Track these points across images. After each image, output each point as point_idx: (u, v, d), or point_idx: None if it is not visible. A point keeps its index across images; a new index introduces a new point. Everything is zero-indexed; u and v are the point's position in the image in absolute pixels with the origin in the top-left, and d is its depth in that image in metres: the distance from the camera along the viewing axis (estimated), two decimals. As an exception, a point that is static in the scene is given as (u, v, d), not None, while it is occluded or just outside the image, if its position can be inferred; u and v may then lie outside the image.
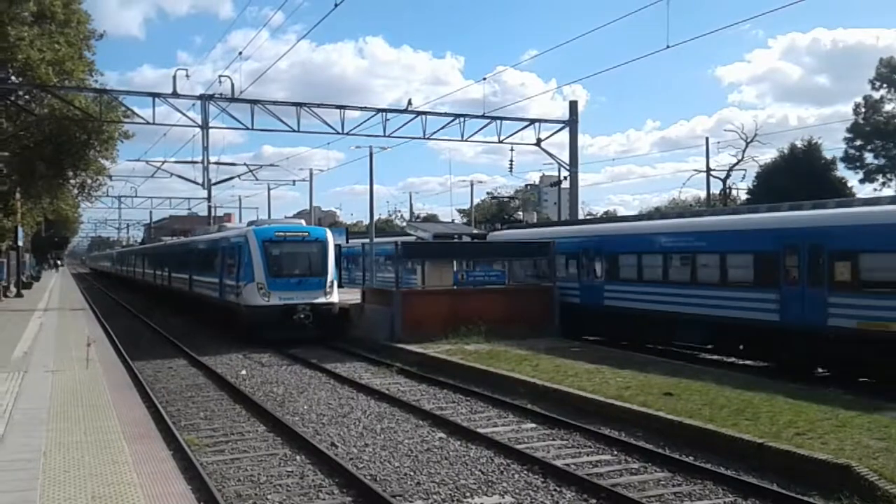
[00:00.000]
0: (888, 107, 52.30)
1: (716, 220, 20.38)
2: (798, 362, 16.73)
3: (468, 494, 8.98)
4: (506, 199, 70.66)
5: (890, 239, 14.96)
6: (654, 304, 20.20)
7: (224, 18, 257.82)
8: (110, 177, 41.02)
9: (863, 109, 52.69)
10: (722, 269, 18.52)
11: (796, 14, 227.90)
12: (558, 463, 10.02)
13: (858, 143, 52.81)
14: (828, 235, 16.06)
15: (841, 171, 51.01)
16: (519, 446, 10.87)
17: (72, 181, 35.54)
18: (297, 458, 10.51)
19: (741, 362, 19.85)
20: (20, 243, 43.45)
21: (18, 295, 41.97)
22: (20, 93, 29.93)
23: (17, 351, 17.87)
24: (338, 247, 28.05)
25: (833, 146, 55.11)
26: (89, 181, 35.54)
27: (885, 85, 51.89)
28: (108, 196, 59.88)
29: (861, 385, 15.54)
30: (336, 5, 19.11)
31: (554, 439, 11.52)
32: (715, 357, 20.69)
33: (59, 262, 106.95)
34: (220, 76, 30.30)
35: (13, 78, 29.21)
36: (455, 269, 24.25)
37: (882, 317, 14.82)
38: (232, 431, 12.16)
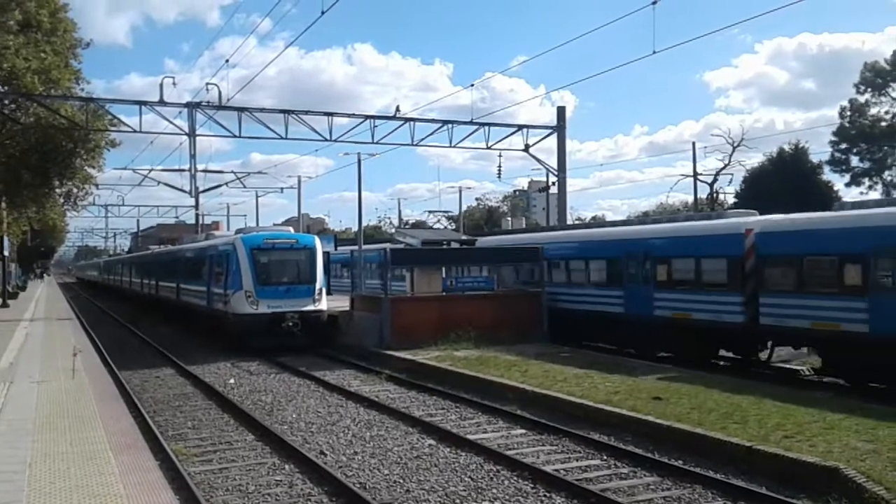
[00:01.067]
0: (873, 110, 52.83)
1: (584, 232, 26.91)
2: (637, 344, 20.64)
3: (458, 501, 8.96)
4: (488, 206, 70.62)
5: (688, 248, 19.49)
6: (560, 303, 23.54)
7: (212, 26, 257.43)
8: (97, 185, 40.72)
9: (848, 113, 53.15)
10: (587, 272, 23.01)
11: (783, 19, 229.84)
12: (548, 469, 10.00)
13: (844, 146, 53.26)
14: (652, 246, 20.56)
15: (827, 174, 51.53)
16: (508, 452, 10.84)
17: (58, 190, 35.37)
18: (286, 466, 10.45)
19: (725, 365, 19.96)
20: (6, 253, 43.11)
21: (4, 305, 41.60)
22: (6, 101, 29.79)
23: (3, 362, 17.72)
24: (326, 254, 27.98)
25: (820, 150, 55.73)
26: (76, 190, 35.39)
27: (869, 89, 52.37)
28: (94, 205, 59.78)
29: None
30: (323, 13, 19.15)
31: (543, 445, 11.51)
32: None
33: (43, 272, 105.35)
34: (206, 84, 30.41)
35: (-1, 87, 29.10)
36: (444, 275, 24.23)
37: (686, 308, 19.08)
38: (220, 441, 12.09)
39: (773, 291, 16.77)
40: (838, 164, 53.59)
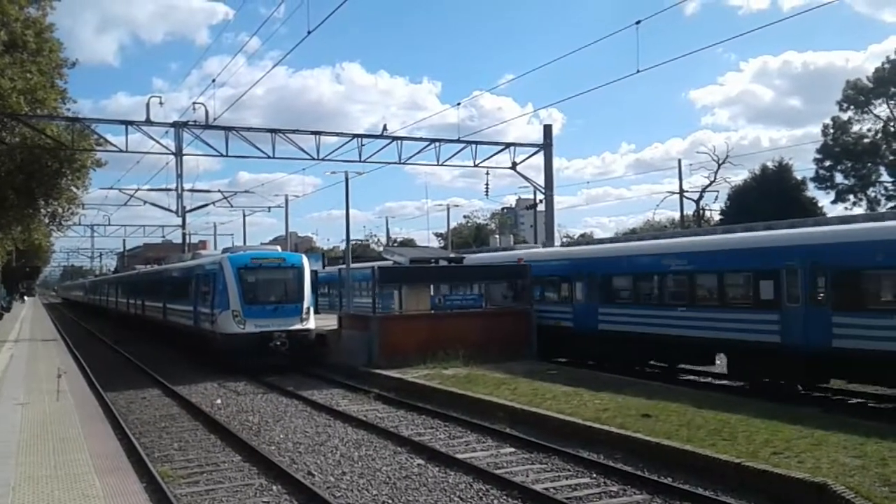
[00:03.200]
0: (856, 128, 53.37)
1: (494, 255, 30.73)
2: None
3: (447, 521, 8.89)
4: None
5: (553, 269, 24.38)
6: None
7: (200, 45, 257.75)
8: (83, 205, 40.49)
9: (831, 131, 53.68)
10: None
11: (767, 37, 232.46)
12: (538, 487, 9.96)
13: (828, 163, 53.73)
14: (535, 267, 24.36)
15: (812, 191, 51.92)
16: (498, 471, 10.80)
17: (43, 210, 35.12)
18: (274, 487, 10.36)
19: (718, 382, 20.01)
20: (-10, 274, 42.77)
21: (-12, 326, 41.26)
22: (-9, 122, 29.61)
23: (-14, 383, 17.52)
24: (314, 272, 27.92)
25: (805, 167, 56.18)
26: (61, 210, 35.15)
27: (852, 106, 52.94)
28: (80, 225, 59.33)
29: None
30: (309, 32, 19.18)
31: (533, 463, 11.47)
32: (691, 378, 20.83)
33: (23, 294, 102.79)
34: (193, 103, 30.18)
35: (-17, 107, 28.94)
36: (432, 293, 24.21)
37: (559, 317, 23.45)
38: (207, 462, 11.97)
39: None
40: (823, 181, 54.07)
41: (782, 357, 16.60)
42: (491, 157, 33.95)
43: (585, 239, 40.25)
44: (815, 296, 16.02)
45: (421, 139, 33.03)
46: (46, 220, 37.89)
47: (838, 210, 53.06)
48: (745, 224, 21.49)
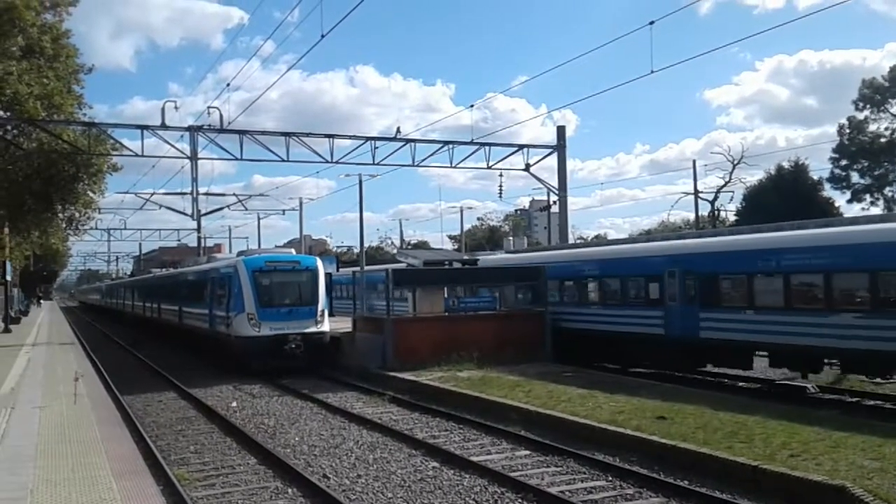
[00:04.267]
0: (872, 127, 52.91)
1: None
2: None
3: (462, 524, 8.87)
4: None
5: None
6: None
7: (215, 49, 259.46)
8: (99, 209, 40.99)
9: (847, 130, 53.25)
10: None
11: (782, 36, 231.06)
12: (553, 490, 9.93)
13: (844, 163, 53.32)
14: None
15: (828, 191, 51.51)
16: (513, 474, 10.77)
17: (60, 215, 35.45)
18: (289, 490, 10.38)
19: (735, 384, 19.89)
20: (8, 278, 43.15)
21: (6, 330, 41.56)
22: (8, 127, 29.94)
23: (5, 387, 17.67)
24: (328, 275, 27.98)
25: (822, 166, 55.58)
26: (78, 214, 35.48)
27: (868, 105, 52.51)
28: (96, 229, 59.92)
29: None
30: (322, 36, 19.28)
31: (548, 466, 11.43)
32: (709, 378, 20.72)
33: (39, 298, 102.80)
34: (208, 108, 30.41)
35: (1, 112, 29.25)
36: (446, 295, 24.20)
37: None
38: (223, 465, 12.02)
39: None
40: (839, 181, 53.63)
41: (665, 347, 20.10)
42: (504, 158, 34.03)
43: (541, 246, 41.77)
44: (687, 296, 19.45)
45: (434, 141, 33.19)
46: (63, 225, 38.28)
47: (855, 210, 52.69)
48: (646, 235, 25.33)
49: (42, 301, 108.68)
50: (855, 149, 52.57)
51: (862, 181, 53.70)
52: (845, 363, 16.86)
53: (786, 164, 48.64)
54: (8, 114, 28.85)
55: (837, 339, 15.90)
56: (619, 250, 23.63)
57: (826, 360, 17.09)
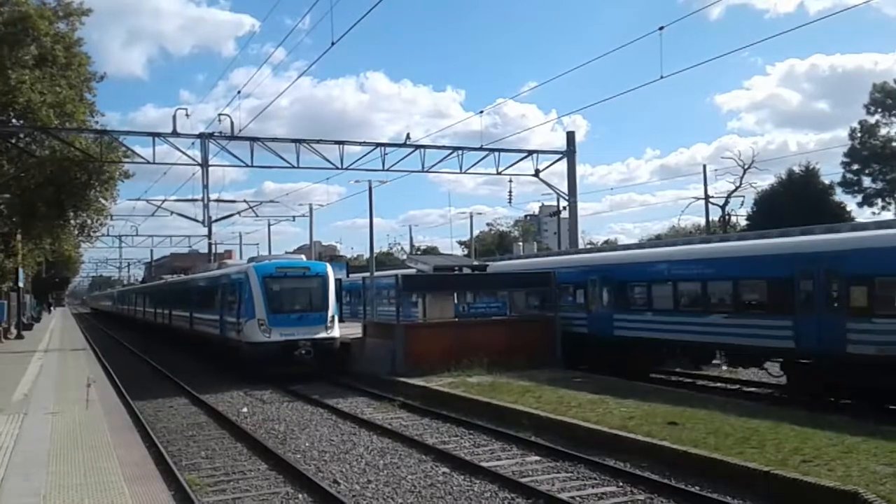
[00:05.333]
0: (884, 131, 52.65)
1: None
2: None
3: (472, 530, 8.87)
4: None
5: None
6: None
7: (227, 56, 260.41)
8: (111, 216, 41.03)
9: (859, 134, 53.00)
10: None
11: (794, 41, 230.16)
12: (563, 496, 9.91)
13: (856, 167, 53.06)
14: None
15: (840, 195, 51.25)
16: (523, 480, 10.76)
17: (72, 222, 35.62)
18: (300, 496, 10.41)
19: (746, 390, 19.79)
20: (21, 284, 43.41)
21: (19, 336, 41.80)
22: (21, 135, 30.16)
23: (17, 393, 17.77)
24: (338, 281, 28.04)
25: (833, 171, 55.54)
26: (90, 221, 35.60)
27: (880, 109, 52.26)
28: (108, 235, 60.03)
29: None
30: (333, 43, 19.38)
31: (558, 472, 11.41)
32: (718, 385, 20.63)
33: (50, 305, 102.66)
34: (219, 115, 30.56)
35: (14, 121, 29.47)
36: (456, 300, 24.21)
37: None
38: (233, 470, 12.05)
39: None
40: (850, 185, 53.37)
41: (589, 344, 22.88)
42: (514, 164, 34.04)
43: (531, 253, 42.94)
44: (605, 300, 22.32)
45: (444, 147, 33.20)
46: (75, 231, 38.44)
47: (866, 214, 52.41)
48: (576, 249, 30.47)
49: (54, 307, 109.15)
50: (866, 153, 52.33)
51: (873, 185, 53.45)
52: (726, 355, 20.32)
53: (797, 169, 48.43)
54: (21, 122, 29.06)
55: (713, 335, 19.04)
56: (566, 259, 26.85)
57: (718, 353, 20.52)
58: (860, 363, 15.25)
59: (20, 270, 41.29)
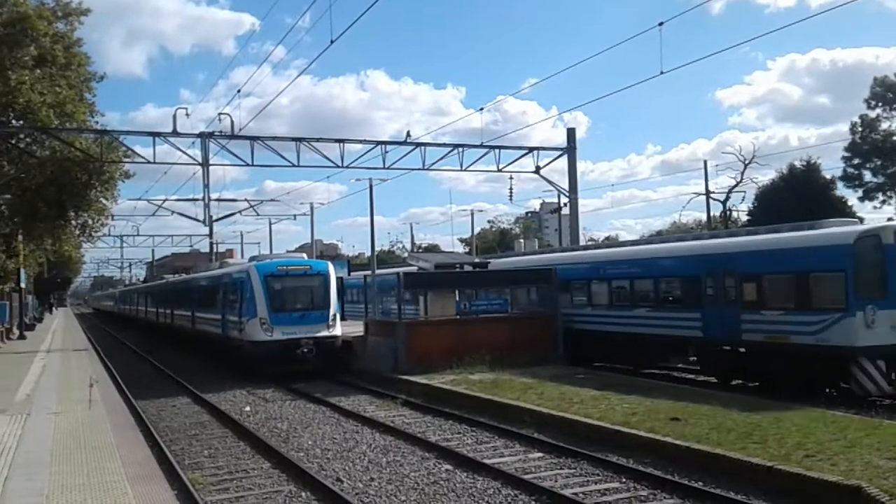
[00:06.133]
0: (885, 125, 52.50)
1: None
2: None
3: (476, 527, 8.87)
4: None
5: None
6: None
7: (227, 55, 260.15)
8: (112, 216, 41.12)
9: (859, 129, 52.87)
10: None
11: (795, 35, 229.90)
12: (567, 492, 9.91)
13: (856, 161, 52.91)
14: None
15: (840, 189, 51.15)
16: (526, 476, 10.76)
17: (73, 222, 35.64)
18: (303, 494, 10.41)
19: (749, 385, 19.76)
20: (23, 285, 43.45)
21: (21, 337, 41.89)
22: (21, 136, 30.16)
23: (20, 393, 17.80)
24: (340, 279, 28.04)
25: (835, 165, 55.22)
26: (91, 221, 35.62)
27: (880, 103, 52.12)
28: (109, 235, 60.22)
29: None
30: (332, 41, 19.40)
31: (561, 468, 11.41)
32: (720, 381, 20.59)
33: (51, 305, 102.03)
34: (219, 114, 30.55)
35: (14, 121, 29.48)
36: (457, 298, 24.20)
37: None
38: (237, 469, 12.07)
39: None
40: (851, 180, 53.22)
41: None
42: (515, 161, 33.98)
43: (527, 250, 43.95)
44: (564, 297, 23.87)
45: (444, 145, 33.17)
46: (77, 232, 38.44)
47: (867, 209, 52.31)
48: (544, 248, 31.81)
49: (56, 308, 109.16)
50: (867, 147, 52.17)
51: (874, 180, 53.29)
52: (652, 346, 21.18)
53: (798, 164, 48.35)
54: (21, 122, 29.08)
55: (641, 327, 20.99)
56: (558, 257, 27.85)
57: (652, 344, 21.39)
58: (752, 349, 18.01)
59: (22, 271, 41.33)
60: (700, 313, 19.13)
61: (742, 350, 18.42)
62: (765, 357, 17.71)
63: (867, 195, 53.38)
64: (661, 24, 20.71)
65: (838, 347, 15.91)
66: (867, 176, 53.29)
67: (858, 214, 48.03)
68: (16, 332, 43.22)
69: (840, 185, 51.54)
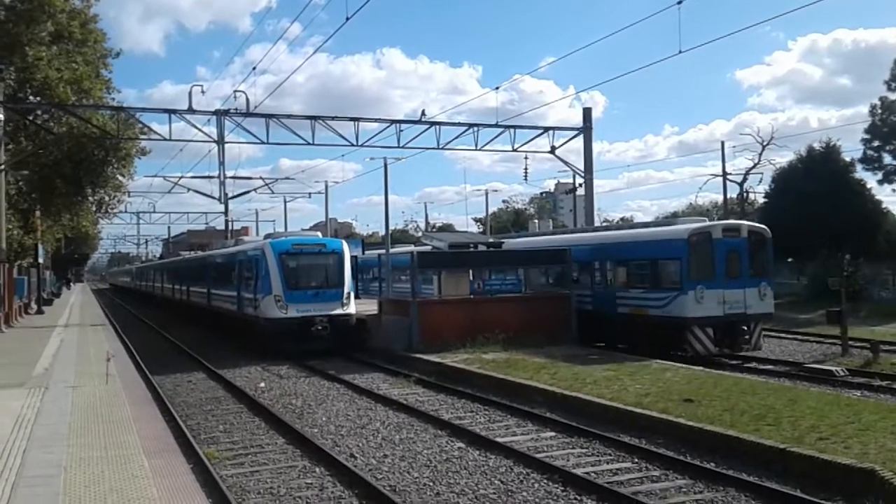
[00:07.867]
0: (905, 107, 51.65)
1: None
2: None
3: (488, 504, 8.93)
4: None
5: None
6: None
7: (243, 32, 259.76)
8: (128, 193, 41.40)
9: (879, 111, 52.12)
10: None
11: (816, 15, 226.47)
12: (578, 471, 9.95)
13: (876, 144, 52.21)
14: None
15: (860, 172, 50.56)
16: (538, 455, 10.81)
17: (90, 198, 35.94)
18: (317, 469, 10.51)
19: (762, 367, 19.74)
20: (41, 260, 43.89)
21: (39, 312, 42.40)
22: (39, 112, 30.33)
23: (38, 367, 18.03)
24: (354, 258, 28.11)
25: (855, 147, 54.63)
26: (107, 198, 35.96)
27: (901, 85, 51.25)
28: (126, 212, 60.67)
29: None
30: (347, 19, 19.33)
31: (573, 448, 11.45)
32: (734, 362, 20.58)
33: (68, 280, 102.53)
34: (235, 91, 30.63)
35: (32, 98, 29.64)
36: (471, 277, 24.22)
37: None
38: (251, 444, 12.19)
39: None
40: (870, 162, 52.52)
41: None
42: (530, 141, 33.81)
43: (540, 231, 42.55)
44: (544, 280, 26.36)
45: (459, 124, 33.05)
46: (93, 208, 38.82)
47: (886, 191, 51.75)
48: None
49: (73, 283, 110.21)
50: (887, 129, 51.45)
51: (894, 162, 52.61)
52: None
53: (816, 146, 47.82)
54: (38, 99, 29.24)
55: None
56: (563, 239, 28.59)
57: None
58: (623, 320, 22.09)
59: (39, 246, 41.74)
60: (591, 292, 23.53)
61: (616, 321, 22.46)
62: (631, 326, 21.76)
63: (886, 178, 52.69)
64: (680, 2, 20.41)
65: (677, 318, 20.18)
66: (887, 158, 52.56)
67: (878, 197, 47.65)
68: (34, 306, 43.74)
69: (859, 167, 50.95)
